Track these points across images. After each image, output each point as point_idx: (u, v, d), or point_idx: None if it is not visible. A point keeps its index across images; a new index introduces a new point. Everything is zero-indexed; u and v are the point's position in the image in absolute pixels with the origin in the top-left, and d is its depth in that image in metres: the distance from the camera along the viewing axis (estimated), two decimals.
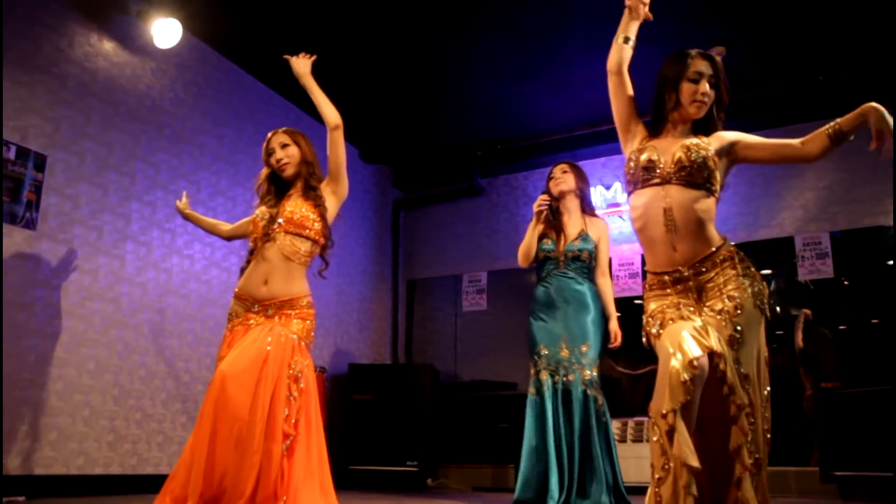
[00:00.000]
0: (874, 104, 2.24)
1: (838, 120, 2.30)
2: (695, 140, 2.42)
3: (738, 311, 2.26)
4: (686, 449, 2.06)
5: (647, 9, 2.59)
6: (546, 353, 4.05)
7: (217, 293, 5.49)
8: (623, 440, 5.62)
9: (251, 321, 2.94)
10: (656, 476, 2.15)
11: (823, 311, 5.92)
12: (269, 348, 2.81)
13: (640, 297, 6.07)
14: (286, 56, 3.30)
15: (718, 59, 2.52)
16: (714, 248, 2.35)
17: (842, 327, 6.01)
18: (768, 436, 2.28)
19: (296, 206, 3.01)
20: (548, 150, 7.19)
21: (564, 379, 3.97)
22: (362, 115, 6.74)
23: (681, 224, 2.32)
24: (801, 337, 5.89)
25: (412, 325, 7.89)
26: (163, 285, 5.09)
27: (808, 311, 5.84)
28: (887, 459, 4.42)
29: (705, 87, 2.43)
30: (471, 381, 6.87)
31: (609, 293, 4.21)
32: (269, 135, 3.19)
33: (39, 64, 4.44)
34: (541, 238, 4.22)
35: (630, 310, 6.13)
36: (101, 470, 4.49)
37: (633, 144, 2.54)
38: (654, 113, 2.53)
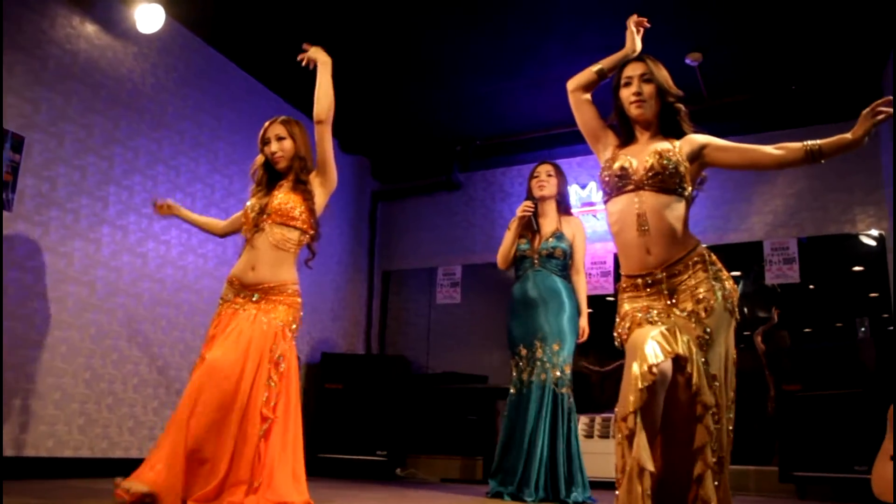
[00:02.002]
0: (864, 139, 2.28)
1: (820, 142, 2.32)
2: (666, 145, 2.45)
3: (708, 313, 2.29)
4: (644, 453, 2.09)
5: (639, 34, 2.64)
6: (525, 353, 4.14)
7: (192, 279, 5.45)
8: (590, 436, 5.67)
9: (237, 305, 3.00)
10: (617, 476, 2.20)
11: (789, 315, 6.03)
12: (252, 336, 2.87)
13: (612, 296, 6.14)
14: (306, 46, 3.33)
15: (651, 60, 2.57)
16: (687, 251, 2.38)
17: (807, 330, 6.12)
18: (731, 436, 2.31)
19: (285, 198, 3.06)
20: (526, 148, 7.21)
21: (541, 378, 4.05)
22: (342, 106, 6.65)
23: (654, 228, 2.36)
24: (760, 339, 5.98)
25: (386, 316, 7.90)
26: (138, 270, 5.05)
27: (776, 311, 5.94)
28: (843, 461, 4.51)
29: (636, 87, 2.51)
30: (442, 372, 6.89)
31: (583, 290, 4.29)
32: (267, 123, 3.23)
33: (20, 44, 4.38)
34: (518, 238, 4.29)
35: (601, 307, 6.19)
36: (71, 453, 4.46)
37: (606, 153, 2.58)
38: (619, 125, 2.60)
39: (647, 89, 2.51)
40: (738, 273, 6.38)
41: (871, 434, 4.30)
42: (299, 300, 3.13)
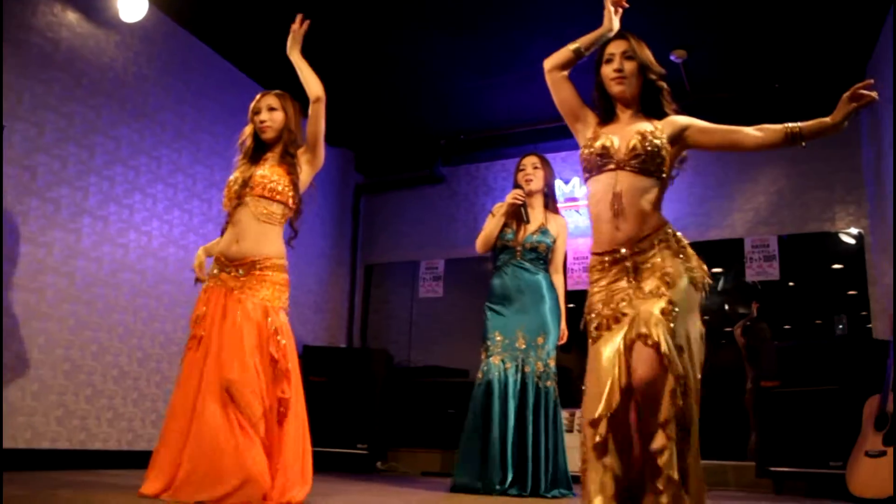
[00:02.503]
0: (844, 123, 2.30)
1: (801, 124, 2.34)
2: (649, 127, 2.45)
3: (671, 287, 2.29)
4: (615, 461, 2.19)
5: (618, 15, 2.62)
6: (500, 339, 4.07)
7: (173, 271, 5.42)
8: (570, 430, 5.69)
9: (222, 281, 2.95)
10: (582, 467, 2.28)
11: (769, 312, 6.08)
12: (243, 326, 2.85)
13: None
14: (297, 18, 3.32)
15: (634, 38, 2.55)
16: (654, 230, 2.39)
17: (786, 327, 6.18)
18: (698, 407, 2.27)
19: (269, 172, 3.02)
20: (510, 143, 7.23)
21: (520, 370, 4.00)
22: (328, 98, 6.67)
23: (628, 208, 2.37)
24: (740, 332, 6.04)
25: (368, 309, 7.89)
26: (118, 261, 5.01)
27: (756, 304, 6.00)
28: (819, 457, 4.56)
29: (618, 63, 2.50)
30: (424, 366, 6.89)
31: (561, 290, 4.26)
32: (259, 95, 3.21)
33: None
34: (502, 227, 4.24)
35: (584, 302, 6.20)
36: (49, 444, 4.43)
37: (587, 132, 2.58)
38: (599, 102, 2.59)
39: (629, 66, 2.50)
40: (719, 270, 6.43)
41: (846, 431, 4.37)
42: (285, 276, 3.07)
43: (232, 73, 6.13)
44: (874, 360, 4.48)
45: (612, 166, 2.42)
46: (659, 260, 2.35)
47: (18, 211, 4.36)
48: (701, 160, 6.39)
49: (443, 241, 7.60)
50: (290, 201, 3.05)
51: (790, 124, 2.36)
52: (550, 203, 4.33)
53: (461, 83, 6.35)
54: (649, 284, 2.32)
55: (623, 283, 2.37)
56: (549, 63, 2.64)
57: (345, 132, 7.40)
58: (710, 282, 2.43)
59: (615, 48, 2.54)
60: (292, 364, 2.94)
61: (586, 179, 2.54)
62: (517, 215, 4.23)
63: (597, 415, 2.20)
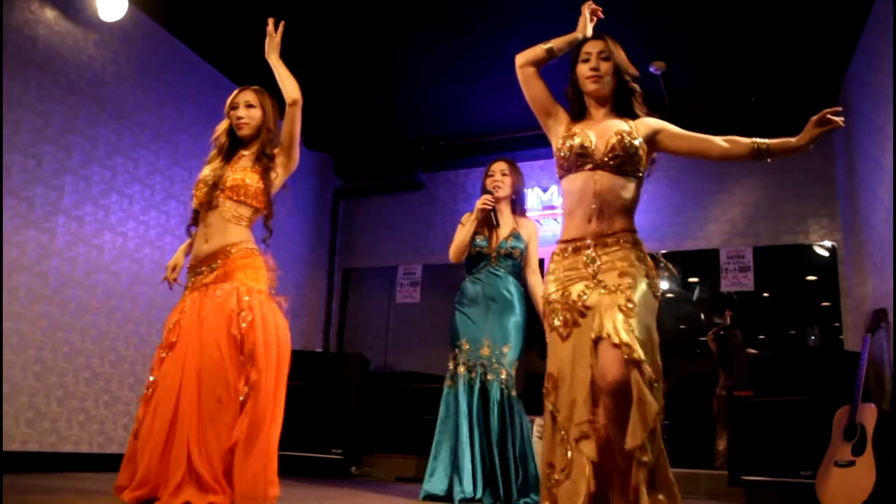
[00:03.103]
0: (809, 145, 2.37)
1: (768, 141, 2.38)
2: (625, 126, 2.49)
3: (631, 287, 2.30)
4: (594, 452, 2.22)
5: (592, 23, 2.67)
6: (467, 348, 4.05)
7: (148, 272, 5.37)
8: (541, 437, 5.69)
9: (196, 283, 2.90)
10: (555, 477, 2.25)
11: (743, 321, 6.14)
12: (209, 311, 2.78)
13: None
14: (269, 21, 3.25)
15: (611, 39, 2.60)
16: (623, 229, 2.42)
17: (760, 337, 6.25)
18: (662, 406, 2.24)
19: (241, 175, 2.96)
20: (489, 150, 7.23)
21: (483, 378, 3.97)
22: (307, 102, 6.64)
23: (605, 207, 2.41)
24: (712, 337, 6.09)
25: (345, 313, 7.87)
26: (93, 261, 4.96)
27: (729, 313, 6.06)
28: (790, 466, 4.61)
29: (594, 62, 2.54)
30: (400, 371, 6.87)
31: (538, 290, 4.17)
32: (237, 90, 3.14)
33: None
34: (474, 235, 4.23)
35: None
36: (18, 447, 4.37)
37: (560, 130, 2.60)
38: (573, 100, 2.63)
39: (605, 66, 2.54)
40: (695, 279, 6.49)
41: (817, 440, 4.42)
42: (260, 259, 2.99)
43: (212, 74, 6.10)
44: (845, 372, 4.54)
45: (589, 166, 2.45)
46: (620, 257, 2.37)
47: None
48: (679, 171, 6.45)
49: (421, 246, 7.60)
50: (262, 206, 3.01)
51: (758, 140, 2.41)
52: (518, 208, 4.34)
53: (441, 89, 6.36)
54: (609, 278, 2.34)
55: (580, 271, 2.38)
56: (521, 59, 2.68)
57: (324, 136, 7.39)
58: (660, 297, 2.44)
59: (592, 48, 2.58)
60: (274, 351, 2.81)
61: (561, 177, 2.56)
62: (487, 220, 4.22)
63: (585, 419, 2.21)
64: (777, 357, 5.09)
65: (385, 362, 7.38)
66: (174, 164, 5.68)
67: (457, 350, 4.10)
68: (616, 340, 2.20)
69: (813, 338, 5.75)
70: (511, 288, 4.13)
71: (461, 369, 4.04)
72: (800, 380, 4.76)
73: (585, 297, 2.34)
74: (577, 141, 2.48)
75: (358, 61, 6.02)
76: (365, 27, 5.52)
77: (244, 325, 2.75)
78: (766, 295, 6.24)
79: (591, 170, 2.44)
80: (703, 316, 6.46)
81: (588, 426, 2.23)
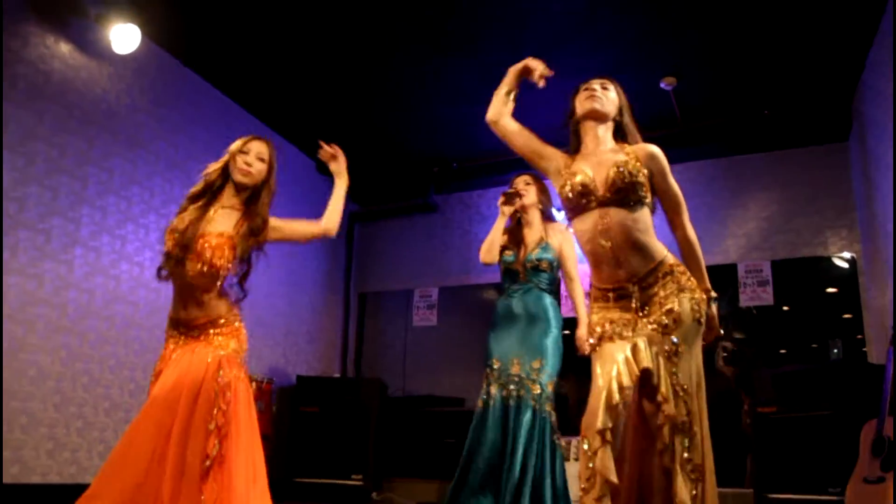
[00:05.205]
0: None
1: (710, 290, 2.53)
2: (622, 157, 2.45)
3: (677, 325, 2.29)
4: (608, 465, 2.14)
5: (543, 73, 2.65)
6: (498, 366, 3.94)
7: (165, 301, 5.27)
8: (566, 459, 5.61)
9: (175, 343, 2.79)
10: (582, 486, 2.22)
11: (764, 336, 6.06)
12: (190, 365, 2.67)
13: None
14: (322, 145, 3.22)
15: (614, 81, 2.63)
16: (656, 263, 2.39)
17: (782, 352, 6.15)
18: (709, 444, 2.29)
19: (218, 240, 2.72)
20: (502, 170, 7.20)
21: (515, 395, 3.84)
22: (320, 127, 6.69)
23: (623, 243, 2.36)
24: (723, 363, 5.99)
25: (362, 338, 7.84)
26: (111, 292, 4.97)
27: (727, 345, 5.98)
28: (817, 483, 4.51)
29: (593, 87, 2.56)
30: (418, 395, 6.82)
31: (578, 297, 4.02)
32: (252, 137, 2.98)
33: None
34: (502, 250, 4.15)
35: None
36: (39, 479, 4.35)
37: (556, 166, 2.57)
38: (571, 133, 2.62)
39: (604, 91, 2.56)
40: (713, 295, 6.41)
41: (844, 456, 4.32)
42: (238, 326, 2.83)
43: (224, 102, 6.13)
44: (870, 385, 4.44)
45: (594, 204, 2.40)
46: (663, 294, 2.35)
47: (7, 244, 4.31)
48: (690, 186, 6.40)
49: (436, 269, 7.57)
50: (229, 272, 2.77)
51: (708, 286, 2.50)
52: (546, 217, 4.22)
53: (452, 110, 6.35)
54: (656, 318, 2.32)
55: (629, 315, 2.37)
56: (492, 115, 2.66)
57: None
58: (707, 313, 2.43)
59: (593, 82, 2.59)
60: (242, 416, 2.69)
61: (570, 219, 2.52)
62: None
63: (597, 427, 2.18)
64: (800, 372, 5.00)
65: (403, 386, 7.32)
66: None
67: (488, 369, 3.99)
68: (654, 381, 2.24)
69: (836, 351, 5.65)
70: (541, 302, 4.00)
71: (493, 389, 3.93)
72: (824, 394, 4.67)
73: (628, 328, 2.35)
74: (577, 179, 2.43)
75: (368, 84, 6.02)
76: (375, 49, 5.53)
77: (224, 403, 2.65)
78: (785, 309, 6.15)
79: (596, 208, 2.40)
80: (722, 331, 6.37)
81: (602, 435, 2.20)
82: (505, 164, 7.16)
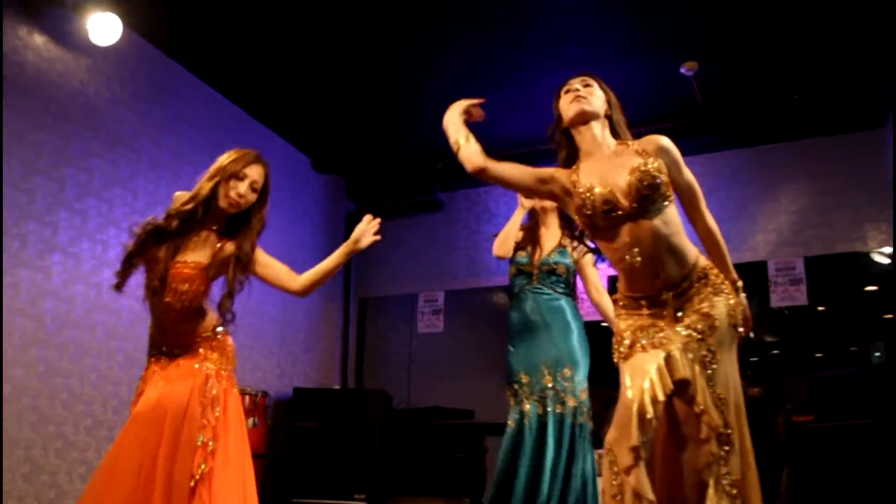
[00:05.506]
0: None
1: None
2: (637, 160, 2.39)
3: (712, 330, 2.30)
4: (645, 483, 2.14)
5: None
6: (527, 381, 3.87)
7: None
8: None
9: (157, 363, 2.78)
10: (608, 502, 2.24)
11: (797, 339, 5.98)
12: (175, 383, 2.67)
13: (604, 321, 6.05)
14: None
15: (592, 75, 2.61)
16: (690, 267, 2.38)
17: (818, 355, 6.07)
18: (750, 459, 2.27)
19: (192, 268, 2.73)
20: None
21: (555, 411, 3.77)
22: (316, 122, 6.63)
23: (658, 252, 2.34)
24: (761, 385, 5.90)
25: (363, 346, 7.79)
26: (92, 300, 4.90)
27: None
28: (858, 498, 4.42)
29: (575, 87, 2.54)
30: (425, 407, 6.76)
31: (607, 307, 3.91)
32: (250, 159, 2.85)
33: None
34: (516, 250, 4.11)
35: (597, 334, 6.09)
36: None
37: (561, 184, 2.53)
38: (563, 143, 2.63)
39: (588, 89, 2.53)
40: (740, 284, 6.34)
41: (887, 468, 4.23)
42: (223, 339, 2.84)
43: (213, 96, 6.06)
44: None
45: (621, 219, 2.36)
46: (698, 299, 2.35)
47: None
48: (714, 179, 6.32)
49: (442, 271, 7.50)
50: (204, 299, 2.79)
51: (735, 276, 2.54)
52: (566, 221, 4.17)
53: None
54: (691, 323, 2.32)
55: (661, 322, 2.36)
56: (472, 166, 2.66)
57: (335, 158, 7.35)
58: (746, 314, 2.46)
59: (573, 82, 2.58)
60: (232, 432, 2.71)
61: (594, 235, 2.49)
62: (531, 235, 4.10)
63: (631, 444, 2.17)
64: (838, 377, 4.94)
65: (408, 398, 7.29)
66: None
67: (516, 386, 3.92)
68: (691, 390, 2.23)
69: (878, 354, 5.55)
70: (561, 303, 3.97)
71: (526, 406, 3.84)
72: (865, 401, 4.61)
73: (661, 335, 2.33)
74: (597, 192, 2.37)
75: (368, 76, 5.95)
76: (375, 40, 5.47)
77: (213, 419, 2.66)
78: (821, 309, 6.07)
79: (624, 222, 2.35)
80: (751, 335, 6.28)
81: (636, 452, 2.18)
82: (516, 158, 7.08)
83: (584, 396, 3.84)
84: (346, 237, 7.87)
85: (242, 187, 2.78)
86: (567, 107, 2.52)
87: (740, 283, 2.52)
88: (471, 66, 5.76)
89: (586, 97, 2.49)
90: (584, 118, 2.49)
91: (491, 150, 7.17)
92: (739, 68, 5.76)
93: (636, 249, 2.33)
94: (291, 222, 6.82)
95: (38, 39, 4.75)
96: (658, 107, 5.90)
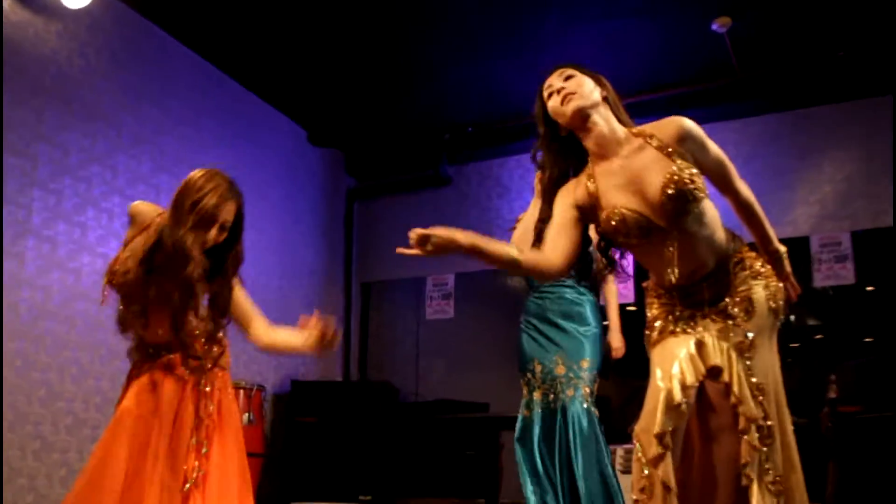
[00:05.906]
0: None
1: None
2: (667, 165, 2.28)
3: (749, 316, 2.29)
4: (671, 473, 2.15)
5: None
6: (540, 369, 4.00)
7: None
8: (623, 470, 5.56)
9: (146, 363, 2.78)
10: (635, 498, 2.22)
11: (844, 322, 5.95)
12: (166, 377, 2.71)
13: (632, 305, 6.03)
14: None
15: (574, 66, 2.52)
16: (725, 251, 2.37)
17: (867, 339, 6.03)
18: (794, 454, 2.28)
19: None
20: (524, 135, 7.07)
21: (562, 396, 3.91)
22: (312, 91, 6.59)
23: (697, 256, 2.33)
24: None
25: (367, 335, 7.84)
26: (70, 288, 4.91)
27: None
28: None
29: (559, 85, 2.46)
30: (435, 400, 6.79)
31: (614, 300, 4.32)
32: (222, 191, 2.75)
33: None
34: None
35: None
36: None
37: (582, 200, 2.45)
38: (561, 151, 2.59)
39: (575, 81, 2.43)
40: (783, 250, 6.32)
41: None
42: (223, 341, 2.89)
43: (198, 63, 6.04)
44: None
45: (659, 232, 2.31)
46: (735, 284, 2.34)
47: None
48: (751, 147, 6.27)
49: None
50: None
51: (777, 245, 2.48)
52: None
53: (467, 68, 6.26)
54: (727, 308, 2.32)
55: (694, 309, 2.36)
56: (552, 269, 2.49)
57: (334, 130, 7.34)
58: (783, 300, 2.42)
59: (551, 79, 2.51)
60: (226, 430, 2.76)
61: (625, 247, 2.47)
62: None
63: (655, 431, 2.18)
64: (890, 363, 4.89)
65: (416, 390, 7.34)
66: (160, 171, 5.62)
67: (529, 375, 4.06)
68: (726, 377, 2.22)
69: None
70: (580, 297, 4.10)
71: (536, 395, 4.00)
72: None
73: (693, 322, 2.34)
74: (629, 216, 2.30)
75: (367, 40, 5.92)
76: (376, 6, 5.42)
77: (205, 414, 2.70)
78: (869, 289, 6.03)
79: (661, 235, 2.31)
80: (793, 318, 6.25)
81: (663, 440, 2.18)
82: (530, 127, 7.03)
83: (595, 389, 4.00)
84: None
85: (211, 232, 2.75)
86: (559, 110, 2.41)
87: (783, 250, 2.48)
88: (482, 29, 5.71)
89: (575, 90, 2.38)
90: (585, 114, 2.37)
91: (507, 117, 7.16)
92: (777, 23, 5.69)
93: (674, 258, 2.32)
94: (287, 199, 6.80)
95: (4, 2, 4.71)
96: (687, 68, 5.84)
